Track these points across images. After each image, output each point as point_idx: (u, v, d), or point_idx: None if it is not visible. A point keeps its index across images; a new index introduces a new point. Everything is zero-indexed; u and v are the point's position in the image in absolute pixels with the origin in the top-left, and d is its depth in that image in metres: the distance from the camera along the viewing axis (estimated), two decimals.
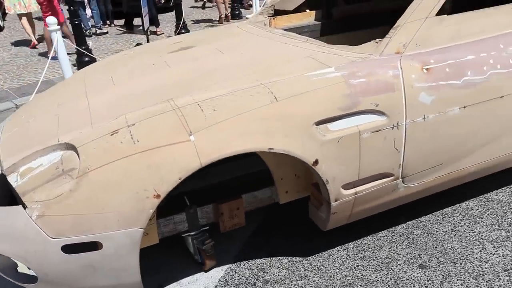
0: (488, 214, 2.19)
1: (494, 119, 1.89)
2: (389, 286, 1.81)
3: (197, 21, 9.57)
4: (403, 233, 2.12)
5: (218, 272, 1.98)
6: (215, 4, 9.13)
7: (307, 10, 3.13)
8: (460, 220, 2.18)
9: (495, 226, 2.11)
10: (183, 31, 7.22)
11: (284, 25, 2.98)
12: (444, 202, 2.32)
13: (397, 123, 1.68)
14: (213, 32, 2.77)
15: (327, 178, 1.65)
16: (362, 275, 1.89)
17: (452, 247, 1.99)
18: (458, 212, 2.24)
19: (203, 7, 11.08)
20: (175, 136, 1.46)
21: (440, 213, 2.25)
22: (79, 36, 5.65)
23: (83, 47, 5.63)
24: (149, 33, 7.35)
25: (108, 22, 9.09)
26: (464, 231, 2.09)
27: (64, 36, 5.75)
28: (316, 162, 1.59)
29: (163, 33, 8.16)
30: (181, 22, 7.12)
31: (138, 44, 6.90)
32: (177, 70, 1.96)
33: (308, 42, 2.07)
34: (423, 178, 1.91)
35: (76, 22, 5.53)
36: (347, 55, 1.81)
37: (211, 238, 1.91)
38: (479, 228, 2.10)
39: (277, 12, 3.05)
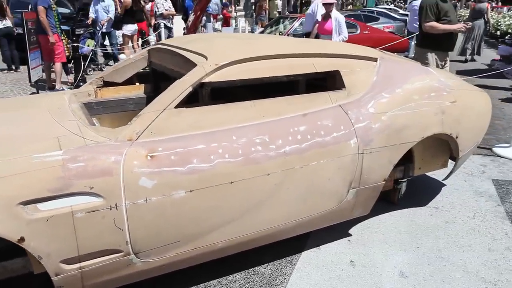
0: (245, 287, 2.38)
1: (226, 202, 2.12)
2: None
3: None
4: None
5: None
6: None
7: (137, 83, 3.37)
8: None
9: None
10: (81, 84, 7.31)
11: (111, 96, 3.16)
12: (216, 272, 2.48)
13: (116, 204, 1.85)
14: (19, 101, 2.87)
15: (39, 254, 1.76)
16: None
17: None
18: (222, 284, 2.41)
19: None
20: None
21: (206, 285, 2.41)
22: None
23: None
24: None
25: (13, 67, 8.98)
26: None
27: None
28: (22, 239, 1.70)
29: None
30: (79, 75, 7.23)
31: (33, 93, 6.85)
32: None
33: (78, 121, 2.24)
34: (162, 254, 2.06)
35: None
36: (90, 139, 1.99)
37: None
38: None
39: (108, 84, 3.25)
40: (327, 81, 2.69)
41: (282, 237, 2.50)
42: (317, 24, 6.23)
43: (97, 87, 3.18)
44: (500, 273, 2.51)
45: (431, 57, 4.67)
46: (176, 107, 2.11)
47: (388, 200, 3.34)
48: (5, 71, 8.96)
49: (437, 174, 3.79)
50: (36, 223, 1.72)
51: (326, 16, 5.95)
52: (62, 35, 7.53)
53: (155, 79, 3.30)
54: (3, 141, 1.97)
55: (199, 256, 2.21)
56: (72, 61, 7.51)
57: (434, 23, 4.52)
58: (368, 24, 12.42)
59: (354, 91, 2.61)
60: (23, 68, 9.07)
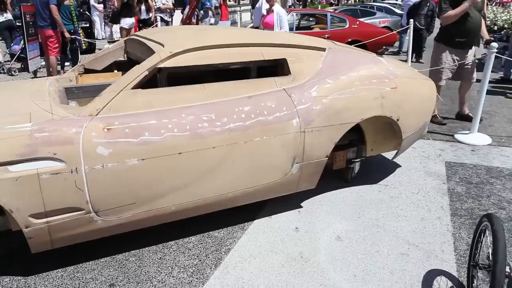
0: (198, 248, 2.73)
1: (176, 170, 2.46)
2: None
3: None
4: (120, 259, 2.60)
5: None
6: None
7: (115, 71, 3.71)
8: (173, 251, 2.69)
9: (194, 256, 2.64)
10: None
11: (90, 82, 3.50)
12: (173, 235, 2.83)
13: (76, 169, 2.20)
14: (5, 85, 3.23)
15: (10, 208, 2.11)
16: None
17: (146, 272, 2.49)
18: (178, 244, 2.76)
19: None
20: None
21: (164, 245, 2.76)
22: None
23: None
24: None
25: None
26: (168, 259, 2.60)
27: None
28: None
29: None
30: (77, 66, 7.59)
31: None
32: None
33: (51, 101, 2.57)
34: (120, 214, 2.41)
35: None
36: (57, 114, 2.34)
37: None
38: (181, 257, 2.62)
39: (89, 71, 3.60)
40: (277, 68, 3.01)
41: (231, 205, 2.83)
42: (262, 18, 6.62)
43: (79, 73, 3.53)
44: (425, 237, 2.84)
45: (445, 54, 4.78)
46: (134, 88, 2.45)
47: (342, 178, 3.66)
48: (8, 62, 9.38)
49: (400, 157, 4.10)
50: (6, 182, 2.07)
51: (269, 11, 6.30)
52: (79, 30, 7.94)
53: (132, 67, 3.63)
54: None
55: (154, 218, 2.55)
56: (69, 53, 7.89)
57: (447, 13, 4.53)
58: (363, 18, 12.67)
59: (299, 77, 2.92)
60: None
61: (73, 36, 7.64)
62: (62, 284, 2.38)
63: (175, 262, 2.58)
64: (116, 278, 2.43)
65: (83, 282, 2.40)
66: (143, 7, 9.31)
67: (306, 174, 2.98)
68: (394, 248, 2.72)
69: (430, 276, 2.45)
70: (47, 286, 2.36)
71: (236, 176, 2.68)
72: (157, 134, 2.38)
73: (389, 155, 4.05)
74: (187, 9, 9.67)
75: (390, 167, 4.00)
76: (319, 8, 21.19)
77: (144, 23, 9.80)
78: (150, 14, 9.59)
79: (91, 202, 2.30)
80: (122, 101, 2.40)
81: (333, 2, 30.77)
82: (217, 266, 2.55)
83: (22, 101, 2.57)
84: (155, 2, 9.99)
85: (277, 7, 6.19)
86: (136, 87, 2.47)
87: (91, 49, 10.31)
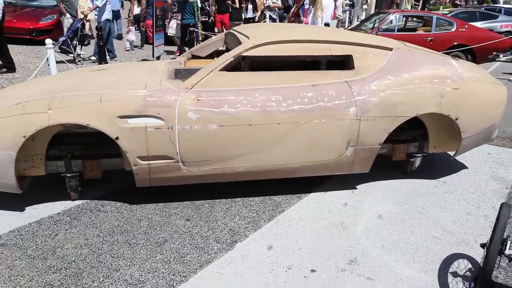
0: (258, 205, 3.34)
1: (246, 138, 3.08)
2: (160, 228, 3.04)
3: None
4: (197, 204, 3.33)
5: (77, 202, 3.31)
6: None
7: (215, 58, 4.47)
8: (238, 205, 3.34)
9: (254, 211, 3.25)
10: None
11: (195, 66, 4.31)
12: (241, 194, 3.48)
13: (171, 126, 2.95)
14: (132, 64, 4.18)
15: (126, 149, 2.95)
16: (153, 219, 3.13)
17: (215, 216, 3.18)
18: (244, 201, 3.41)
19: None
20: (41, 109, 2.86)
21: (232, 200, 3.42)
22: (102, 53, 7.43)
23: (103, 62, 7.40)
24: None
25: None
26: (233, 210, 3.26)
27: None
28: (117, 138, 2.91)
29: None
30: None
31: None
32: (81, 79, 3.39)
33: (162, 77, 3.39)
34: (201, 167, 3.13)
35: (101, 43, 7.31)
36: (164, 86, 3.12)
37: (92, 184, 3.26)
38: (244, 210, 3.26)
39: (195, 57, 4.43)
40: (344, 63, 3.45)
41: (290, 175, 3.38)
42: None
43: (187, 58, 4.38)
44: (463, 228, 3.06)
45: None
46: (221, 70, 3.13)
47: (403, 170, 3.95)
48: (137, 48, 11.02)
49: (466, 159, 4.22)
50: (125, 130, 2.91)
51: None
52: (199, 23, 9.23)
53: None
54: (115, 83, 3.21)
55: (226, 175, 3.22)
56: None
57: None
58: (481, 22, 12.02)
59: (362, 72, 3.33)
60: (146, 46, 11.01)
61: (191, 29, 8.80)
62: (154, 213, 3.18)
63: (238, 213, 3.22)
64: (192, 216, 3.16)
65: (168, 214, 3.17)
66: (250, 6, 10.13)
67: (359, 158, 3.39)
68: (428, 232, 3.01)
69: (452, 257, 2.72)
70: (143, 213, 3.18)
71: (296, 150, 3.22)
72: (233, 108, 3.03)
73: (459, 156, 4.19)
74: (294, 7, 10.30)
75: (455, 167, 4.15)
76: (440, 9, 20.17)
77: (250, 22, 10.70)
78: (257, 13, 10.41)
79: (180, 153, 3.04)
80: (211, 79, 3.10)
81: (458, 3, 28.77)
82: (269, 221, 3.13)
83: (142, 75, 3.43)
84: (266, 1, 10.80)
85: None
86: (223, 69, 3.14)
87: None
